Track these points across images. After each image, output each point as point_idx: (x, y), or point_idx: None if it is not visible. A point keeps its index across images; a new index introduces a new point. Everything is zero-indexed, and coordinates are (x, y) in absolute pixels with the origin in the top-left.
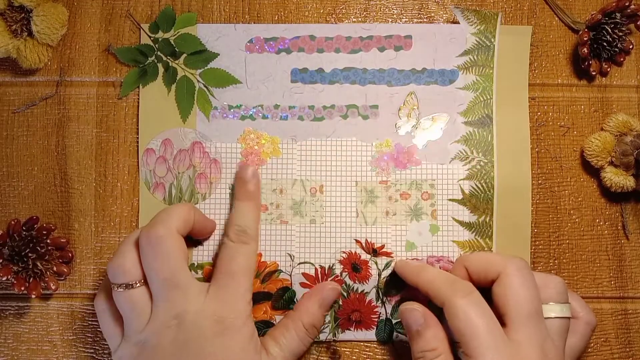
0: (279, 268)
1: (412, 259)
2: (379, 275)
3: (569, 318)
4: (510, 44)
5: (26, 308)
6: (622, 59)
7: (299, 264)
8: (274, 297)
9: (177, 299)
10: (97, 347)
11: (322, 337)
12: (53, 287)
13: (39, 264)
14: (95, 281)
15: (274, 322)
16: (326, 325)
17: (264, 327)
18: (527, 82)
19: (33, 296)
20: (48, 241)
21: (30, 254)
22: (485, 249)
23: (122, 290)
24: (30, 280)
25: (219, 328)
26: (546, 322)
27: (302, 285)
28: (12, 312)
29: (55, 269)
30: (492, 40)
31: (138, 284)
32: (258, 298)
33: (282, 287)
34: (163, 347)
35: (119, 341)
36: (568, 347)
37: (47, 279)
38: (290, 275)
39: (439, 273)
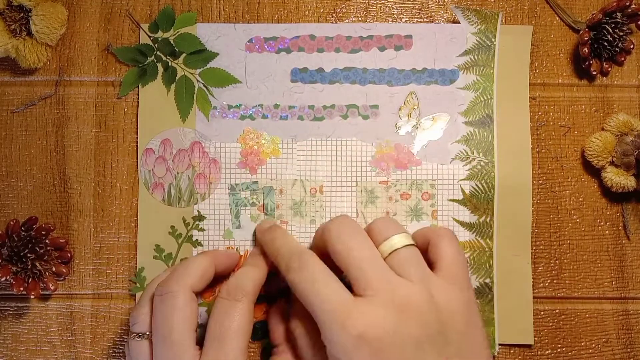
0: None
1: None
2: None
3: (413, 245)
4: (511, 43)
5: (25, 308)
6: (623, 59)
7: None
8: (273, 298)
9: (171, 358)
10: (96, 348)
11: None
12: (52, 288)
13: (37, 264)
14: (94, 281)
15: None
16: None
17: (263, 327)
18: (527, 82)
19: (32, 297)
20: (47, 241)
21: (29, 255)
22: (486, 249)
23: (133, 338)
24: (29, 281)
25: None
26: (393, 256)
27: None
28: (11, 312)
29: (54, 269)
30: (493, 40)
31: (146, 337)
32: (258, 299)
33: (281, 288)
34: None
35: None
36: (446, 266)
37: (46, 280)
38: None
39: (283, 240)
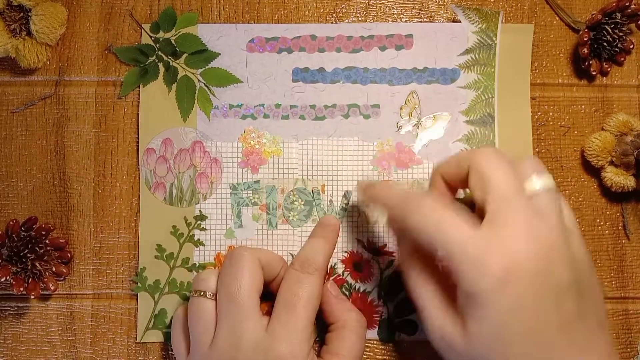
0: None
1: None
2: (381, 274)
3: (554, 189)
4: (511, 42)
5: (25, 308)
6: (622, 59)
7: None
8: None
9: (237, 318)
10: (96, 348)
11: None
12: (52, 288)
13: (37, 264)
14: (94, 281)
15: None
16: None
17: None
18: (528, 80)
19: (32, 297)
20: (47, 241)
21: (29, 255)
22: None
23: (196, 296)
24: (29, 281)
25: None
26: (535, 198)
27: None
28: (11, 312)
29: (54, 269)
30: (494, 38)
31: (211, 296)
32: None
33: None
34: None
35: (185, 354)
36: (567, 219)
37: (46, 280)
38: None
39: (391, 188)
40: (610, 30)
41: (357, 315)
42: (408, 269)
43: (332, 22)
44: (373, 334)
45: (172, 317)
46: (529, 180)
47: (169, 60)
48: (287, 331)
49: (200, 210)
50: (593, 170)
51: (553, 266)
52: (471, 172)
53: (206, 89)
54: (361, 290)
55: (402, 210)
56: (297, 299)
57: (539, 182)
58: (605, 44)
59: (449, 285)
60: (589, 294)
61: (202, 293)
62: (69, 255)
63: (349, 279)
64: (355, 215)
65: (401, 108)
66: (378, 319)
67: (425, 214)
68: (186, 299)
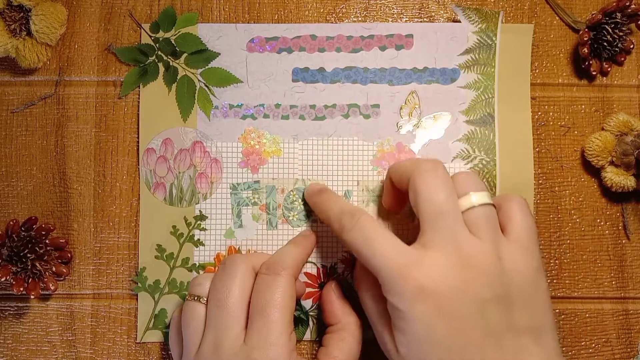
0: None
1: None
2: None
3: (491, 204)
4: (512, 42)
5: (25, 308)
6: (622, 59)
7: None
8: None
9: (222, 325)
10: (96, 348)
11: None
12: (52, 288)
13: (37, 264)
14: (95, 281)
15: None
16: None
17: None
18: (528, 80)
19: (32, 297)
20: (47, 241)
21: (29, 255)
22: None
23: (190, 300)
24: (29, 281)
25: None
26: (469, 213)
27: (304, 284)
28: (11, 312)
29: (54, 269)
30: (494, 38)
31: (204, 301)
32: None
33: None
34: None
35: (179, 357)
36: (516, 231)
37: (46, 280)
38: None
39: (332, 202)
40: (610, 30)
41: (356, 319)
42: (359, 285)
43: (332, 22)
44: (371, 333)
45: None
46: (465, 196)
47: (168, 60)
48: (261, 338)
49: (200, 210)
50: (593, 170)
51: (474, 280)
52: (409, 187)
53: (206, 89)
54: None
55: (339, 224)
56: (267, 303)
57: (475, 197)
58: (605, 44)
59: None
60: (523, 305)
61: (195, 297)
62: (69, 255)
63: (349, 279)
64: None
65: (401, 108)
66: None
67: (358, 230)
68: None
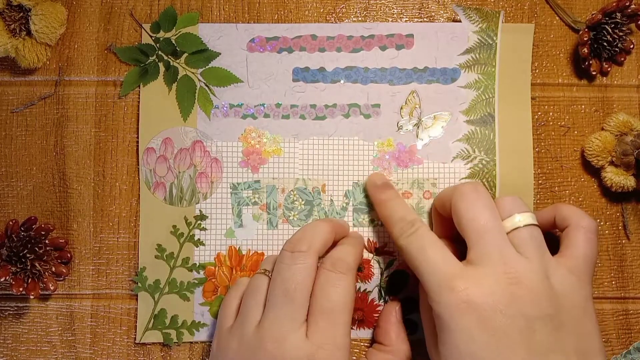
0: None
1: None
2: (381, 274)
3: (536, 225)
4: (512, 42)
5: (25, 309)
6: (622, 59)
7: None
8: None
9: (287, 316)
10: (96, 348)
11: None
12: (52, 288)
13: (37, 264)
14: (94, 282)
15: None
16: None
17: None
18: (529, 80)
19: (32, 297)
20: (46, 241)
21: (28, 255)
22: None
23: (261, 272)
24: (29, 281)
25: None
26: (514, 234)
27: None
28: (11, 312)
29: (53, 269)
30: (494, 38)
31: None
32: None
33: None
34: None
35: (231, 323)
36: (573, 258)
37: (45, 280)
38: None
39: (396, 205)
40: (610, 30)
41: (408, 349)
42: (421, 290)
43: (332, 22)
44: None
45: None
46: (510, 217)
47: (169, 59)
48: (327, 338)
49: (200, 210)
50: (593, 170)
51: (520, 298)
52: (452, 211)
53: (206, 88)
54: (361, 289)
55: (399, 230)
56: (334, 305)
57: (520, 217)
58: (605, 44)
59: None
60: (572, 328)
61: (265, 271)
62: (69, 255)
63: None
64: (355, 215)
65: (401, 108)
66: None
67: (414, 239)
68: (187, 299)
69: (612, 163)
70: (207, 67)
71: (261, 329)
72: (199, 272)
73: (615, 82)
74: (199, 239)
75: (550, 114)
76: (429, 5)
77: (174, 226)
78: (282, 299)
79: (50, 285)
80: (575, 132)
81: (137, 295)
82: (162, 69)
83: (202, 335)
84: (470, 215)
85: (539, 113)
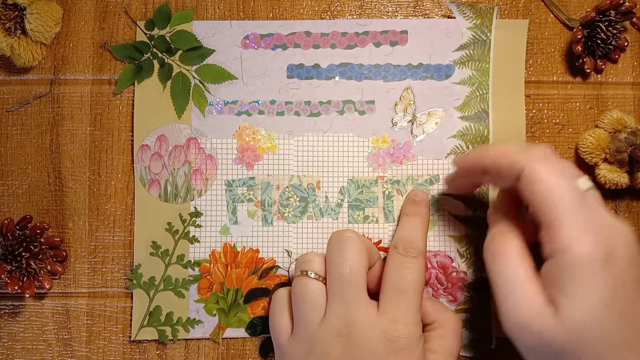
0: (277, 264)
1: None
2: None
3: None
4: (506, 38)
5: (21, 307)
6: (617, 56)
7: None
8: (271, 293)
9: (351, 298)
10: (91, 346)
11: None
12: (47, 286)
13: (32, 263)
14: (90, 280)
15: None
16: None
17: (262, 323)
18: (523, 76)
19: (27, 295)
20: (42, 240)
21: (23, 253)
22: (481, 242)
23: (302, 276)
24: (24, 280)
25: (391, 348)
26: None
27: None
28: (6, 311)
29: (49, 268)
30: (488, 34)
31: (316, 277)
32: (256, 294)
33: (279, 284)
34: (333, 358)
35: (289, 333)
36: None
37: (41, 278)
38: (288, 272)
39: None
40: (604, 27)
41: (454, 315)
42: (495, 247)
43: (327, 20)
44: None
45: (270, 299)
46: (576, 182)
47: (163, 57)
48: (401, 314)
49: (195, 207)
50: (587, 168)
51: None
52: (523, 178)
53: (201, 85)
54: None
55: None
56: (407, 284)
57: (585, 182)
58: (599, 41)
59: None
60: None
61: (307, 273)
62: (64, 253)
63: None
64: (350, 212)
65: (396, 104)
66: None
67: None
68: (182, 296)
69: (606, 160)
70: (201, 64)
71: (328, 320)
72: (194, 269)
73: (610, 79)
74: (193, 236)
75: (545, 111)
76: (424, 4)
77: (169, 223)
78: (340, 284)
79: (46, 283)
80: (570, 129)
81: (132, 293)
82: (156, 66)
83: (197, 332)
84: (555, 186)
85: (534, 111)
